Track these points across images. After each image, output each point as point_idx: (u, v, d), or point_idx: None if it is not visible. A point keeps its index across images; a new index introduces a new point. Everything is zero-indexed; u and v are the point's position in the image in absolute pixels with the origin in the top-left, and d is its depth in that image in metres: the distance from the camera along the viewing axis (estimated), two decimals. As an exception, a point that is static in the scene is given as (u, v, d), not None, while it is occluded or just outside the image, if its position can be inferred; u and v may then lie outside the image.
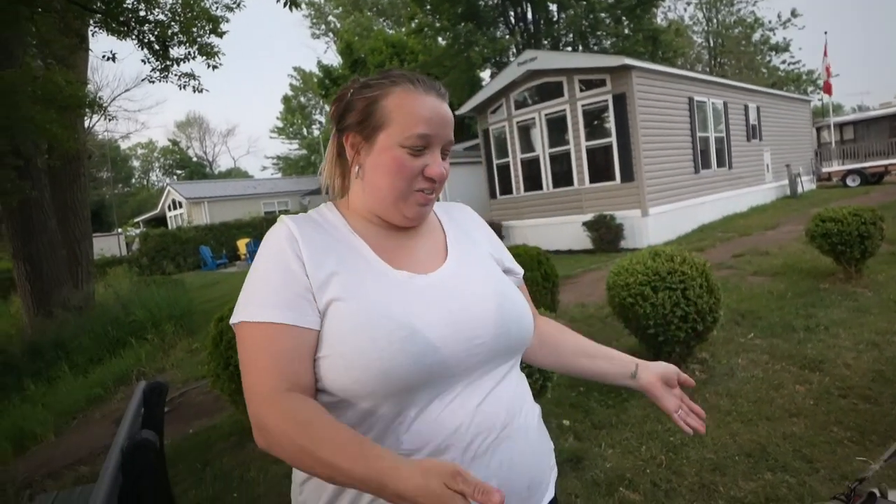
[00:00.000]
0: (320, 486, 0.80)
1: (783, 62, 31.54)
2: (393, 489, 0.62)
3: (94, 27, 7.02)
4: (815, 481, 2.13)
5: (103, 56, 7.24)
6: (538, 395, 2.55)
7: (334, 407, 0.77)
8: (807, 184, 16.29)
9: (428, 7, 20.87)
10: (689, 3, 38.76)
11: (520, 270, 1.05)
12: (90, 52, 8.47)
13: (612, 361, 1.02)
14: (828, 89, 19.30)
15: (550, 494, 0.90)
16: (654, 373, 0.98)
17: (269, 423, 0.71)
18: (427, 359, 0.75)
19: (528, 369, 2.44)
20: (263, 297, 0.78)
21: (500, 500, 0.59)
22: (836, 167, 18.55)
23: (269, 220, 21.01)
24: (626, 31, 21.83)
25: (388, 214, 0.87)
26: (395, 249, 0.88)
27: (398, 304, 0.78)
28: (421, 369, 0.74)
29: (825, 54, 19.34)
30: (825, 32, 19.82)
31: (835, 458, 2.27)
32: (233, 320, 0.80)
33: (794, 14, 29.50)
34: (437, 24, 21.42)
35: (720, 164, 11.81)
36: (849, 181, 16.99)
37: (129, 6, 6.53)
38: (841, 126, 20.51)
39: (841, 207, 4.87)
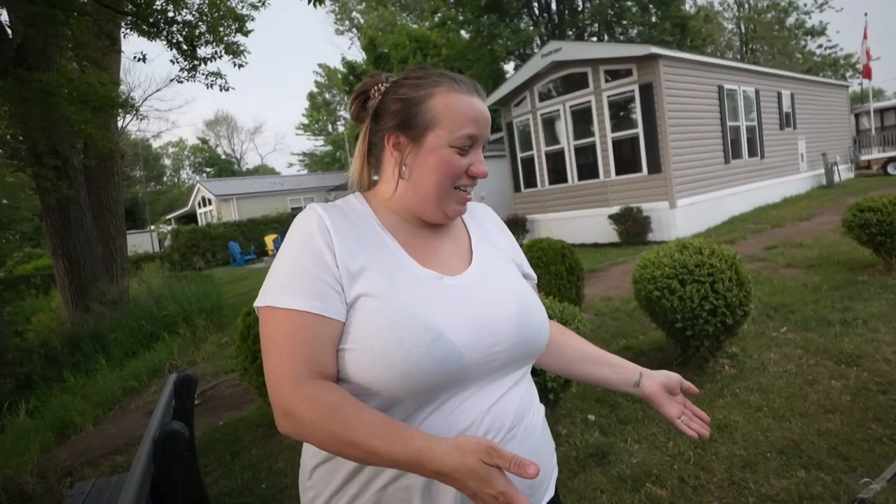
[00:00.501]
0: (329, 473, 0.82)
1: (819, 46, 30.41)
2: (431, 468, 0.65)
3: (126, 29, 7.20)
4: (852, 480, 2.06)
5: (134, 57, 7.43)
6: (563, 388, 2.53)
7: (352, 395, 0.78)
8: (844, 172, 15.70)
9: (451, 0, 20.76)
10: (719, -12, 37.68)
11: (534, 276, 1.06)
12: (122, 54, 8.71)
13: (615, 369, 1.03)
14: (867, 73, 18.51)
15: (550, 493, 0.92)
16: (656, 381, 1.00)
17: (295, 409, 0.72)
18: (450, 364, 0.76)
19: (552, 363, 2.42)
20: (292, 283, 0.78)
21: (536, 472, 0.62)
22: (875, 154, 17.84)
23: (296, 216, 21.29)
24: (654, 19, 21.33)
25: (429, 212, 0.88)
26: (422, 248, 0.88)
27: (426, 306, 0.78)
28: (443, 373, 0.76)
29: (865, 37, 18.55)
30: (865, 14, 19.04)
31: (873, 455, 2.19)
32: (258, 303, 0.80)
33: (831, -4, 28.37)
34: (461, 18, 21.30)
35: (752, 153, 11.47)
36: (890, 169, 16.31)
37: (159, 8, 6.68)
38: (882, 112, 19.66)
39: (881, 196, 4.67)
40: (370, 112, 0.90)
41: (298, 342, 0.76)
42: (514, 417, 0.83)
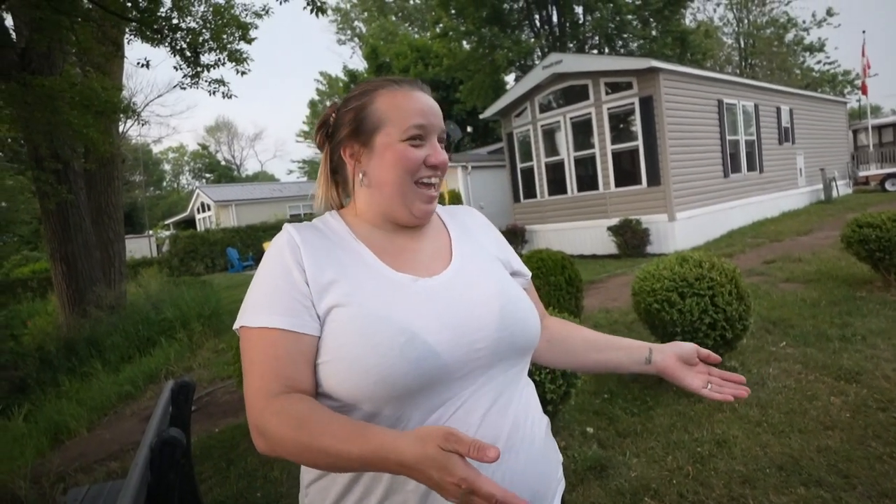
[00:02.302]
0: (325, 487, 0.82)
1: (818, 63, 30.64)
2: (394, 460, 0.63)
3: (130, 35, 7.24)
4: (853, 498, 2.05)
5: (138, 63, 7.50)
6: (562, 400, 2.52)
7: (336, 411, 0.77)
8: (842, 188, 15.78)
9: (453, 11, 20.91)
10: (718, 4, 38.02)
11: (527, 272, 1.04)
12: (125, 60, 8.75)
13: (623, 351, 0.99)
14: (864, 90, 18.67)
15: None
16: (668, 354, 0.94)
17: (266, 425, 0.73)
18: (426, 363, 0.75)
19: (552, 374, 2.41)
20: (263, 303, 0.80)
21: (496, 455, 0.59)
22: (874, 171, 17.94)
23: (295, 222, 21.31)
24: (654, 32, 21.49)
25: (398, 212, 0.89)
26: (400, 252, 0.89)
27: (398, 309, 0.78)
28: (421, 374, 0.75)
29: (863, 54, 18.73)
30: (863, 31, 19.24)
31: (873, 473, 2.18)
32: (235, 325, 0.82)
33: (829, 13, 28.63)
34: (462, 28, 21.43)
35: (750, 167, 11.52)
36: (888, 185, 16.39)
37: (163, 15, 6.72)
38: (880, 128, 19.81)
39: (880, 213, 4.69)
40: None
41: (270, 359, 0.77)
42: (510, 427, 0.81)
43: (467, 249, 0.95)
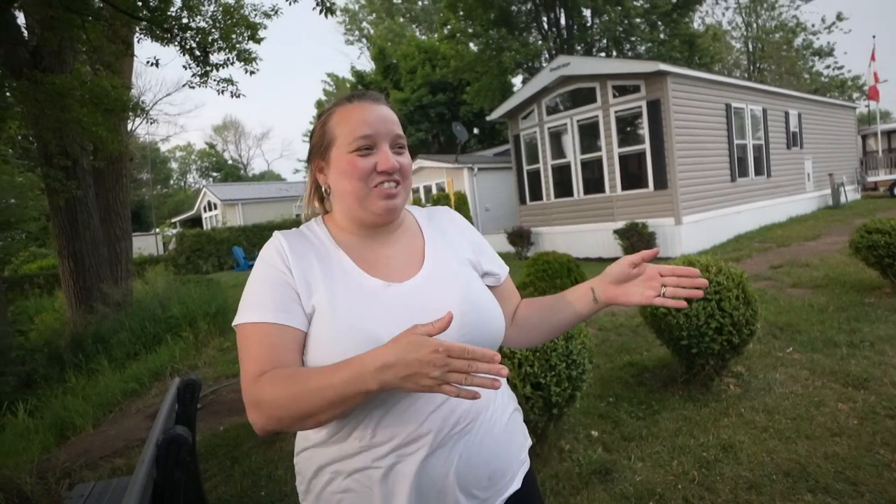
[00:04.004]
0: (307, 459, 0.94)
1: (827, 67, 30.44)
2: (376, 365, 0.71)
3: (140, 34, 7.29)
4: (859, 505, 2.03)
5: (147, 62, 7.55)
6: (567, 403, 2.51)
7: None
8: (851, 193, 15.65)
9: (461, 13, 20.93)
10: (727, 8, 37.90)
11: (502, 271, 1.11)
12: (135, 58, 8.80)
13: (576, 302, 1.04)
14: (874, 95, 18.53)
15: (516, 486, 0.98)
16: (606, 284, 0.99)
17: (258, 393, 0.81)
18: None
19: (557, 377, 2.41)
20: (257, 302, 0.89)
21: (450, 318, 0.72)
22: (882, 176, 17.80)
23: (300, 222, 21.30)
24: (662, 36, 21.44)
25: (360, 215, 0.96)
26: (374, 259, 0.97)
27: (369, 317, 0.87)
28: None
29: (873, 58, 18.60)
30: (873, 36, 19.12)
31: (881, 481, 2.16)
32: (234, 323, 0.90)
33: (839, 18, 28.46)
34: (470, 30, 21.45)
35: (758, 172, 11.46)
36: (896, 191, 16.27)
37: (173, 14, 6.76)
38: (889, 133, 19.65)
39: (889, 218, 4.66)
40: None
41: (264, 347, 0.85)
42: (469, 413, 0.89)
43: (439, 254, 1.01)
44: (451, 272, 0.98)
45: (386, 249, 0.98)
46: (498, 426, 0.95)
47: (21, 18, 7.26)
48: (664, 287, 0.94)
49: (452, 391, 0.70)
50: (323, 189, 1.01)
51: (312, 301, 0.88)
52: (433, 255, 1.00)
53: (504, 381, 0.97)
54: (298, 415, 0.77)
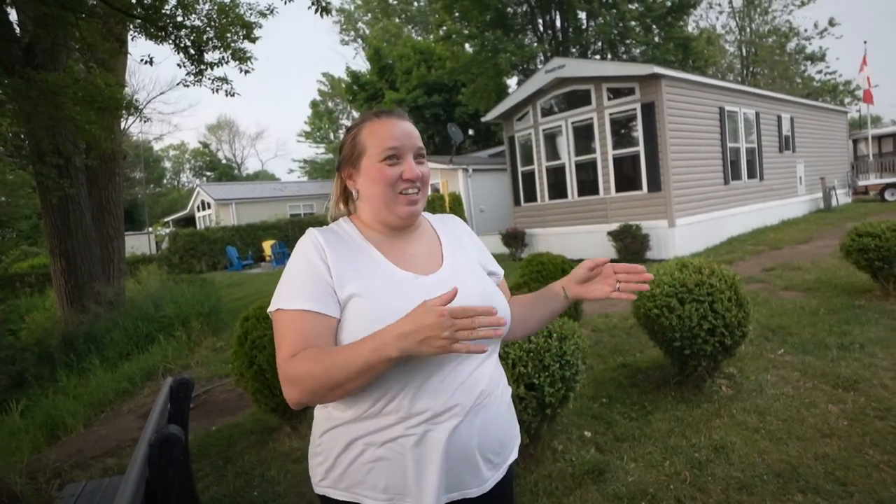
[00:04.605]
0: (334, 438, 1.01)
1: (819, 72, 30.69)
2: (395, 333, 0.84)
3: (134, 32, 7.25)
4: (849, 505, 2.05)
5: (141, 60, 7.48)
6: (560, 404, 2.52)
7: None
8: (842, 197, 15.80)
9: (457, 14, 20.95)
10: (721, 12, 38.12)
11: (500, 271, 1.26)
12: (129, 56, 8.76)
13: (552, 300, 1.21)
14: (868, 98, 18.72)
15: (514, 456, 1.14)
16: (573, 283, 1.18)
17: (292, 370, 0.93)
18: None
19: (551, 378, 2.42)
20: (295, 291, 0.99)
21: (455, 290, 0.86)
22: (873, 180, 17.98)
23: (295, 222, 21.29)
24: (657, 39, 21.56)
25: (387, 217, 1.09)
26: (400, 255, 1.09)
27: (402, 301, 0.95)
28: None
29: (864, 63, 18.79)
30: (864, 42, 19.33)
31: (870, 482, 2.18)
32: (270, 309, 1.01)
33: (831, 23, 28.71)
34: (466, 32, 21.47)
35: (751, 175, 11.54)
36: (887, 195, 16.43)
37: (168, 12, 6.73)
38: (879, 138, 19.86)
39: (880, 222, 4.70)
40: None
41: (298, 332, 0.96)
42: (486, 387, 1.03)
43: (455, 253, 1.15)
44: (469, 270, 1.12)
45: (409, 247, 1.11)
46: (505, 404, 1.11)
47: (14, 15, 7.20)
48: (619, 283, 1.12)
49: (462, 348, 0.82)
50: (353, 193, 1.13)
51: (347, 290, 0.99)
52: (451, 254, 1.14)
53: (502, 369, 1.16)
54: (330, 385, 0.90)
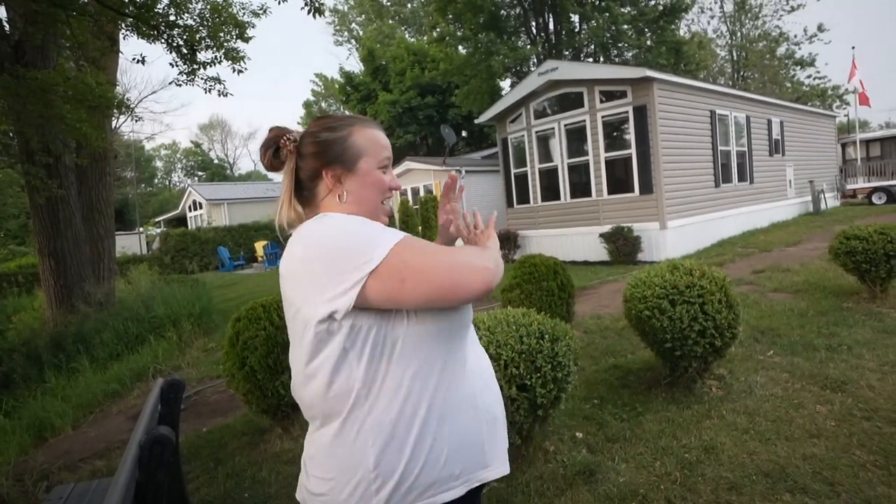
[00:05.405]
0: (398, 450, 0.94)
1: (808, 77, 31.01)
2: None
3: (126, 31, 7.21)
4: (836, 505, 2.07)
5: (133, 59, 7.44)
6: (552, 405, 2.53)
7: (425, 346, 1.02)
8: (830, 200, 15.98)
9: (450, 16, 20.98)
10: (712, 17, 38.48)
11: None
12: (121, 55, 8.69)
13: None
14: (864, 101, 18.96)
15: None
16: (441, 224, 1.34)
17: (489, 265, 0.95)
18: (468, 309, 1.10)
19: (543, 379, 2.42)
20: (382, 231, 0.96)
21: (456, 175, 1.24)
22: (861, 184, 18.19)
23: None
24: (649, 42, 21.70)
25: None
26: None
27: None
28: (468, 312, 1.09)
29: (854, 67, 19.02)
30: (853, 47, 19.56)
31: (857, 481, 2.21)
32: (382, 252, 0.91)
33: (820, 29, 29.05)
34: (459, 34, 21.51)
35: (741, 178, 11.65)
36: (875, 199, 16.62)
37: (160, 11, 6.69)
38: (867, 143, 20.10)
39: (867, 225, 4.76)
40: (285, 159, 1.11)
41: (424, 242, 0.98)
42: (489, 364, 1.17)
43: None
44: None
45: None
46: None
47: (3, 12, 7.14)
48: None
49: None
50: (343, 194, 1.08)
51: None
52: None
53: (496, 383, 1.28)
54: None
